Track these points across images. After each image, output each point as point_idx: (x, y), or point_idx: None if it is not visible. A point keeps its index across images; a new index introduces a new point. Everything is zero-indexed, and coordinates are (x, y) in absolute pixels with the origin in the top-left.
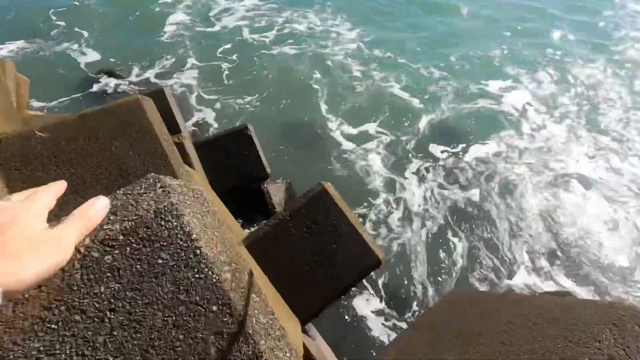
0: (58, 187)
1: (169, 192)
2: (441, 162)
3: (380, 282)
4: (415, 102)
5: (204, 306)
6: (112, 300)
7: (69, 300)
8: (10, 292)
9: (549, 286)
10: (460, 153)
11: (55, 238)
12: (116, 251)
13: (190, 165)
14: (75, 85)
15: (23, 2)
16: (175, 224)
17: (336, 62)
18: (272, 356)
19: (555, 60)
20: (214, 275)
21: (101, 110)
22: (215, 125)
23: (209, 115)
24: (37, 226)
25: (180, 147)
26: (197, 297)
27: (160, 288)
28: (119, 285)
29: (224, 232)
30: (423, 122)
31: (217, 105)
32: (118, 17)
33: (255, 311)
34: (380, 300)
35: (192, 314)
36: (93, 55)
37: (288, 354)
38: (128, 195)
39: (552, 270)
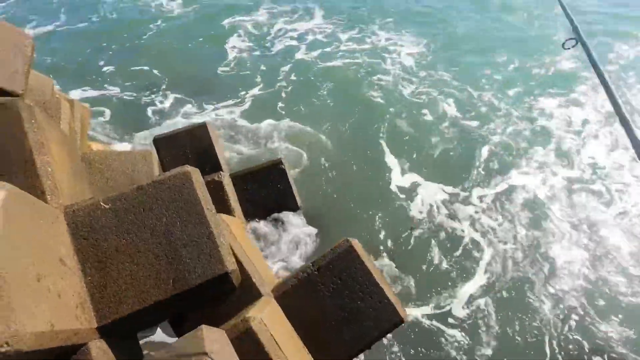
0: None
1: None
2: (495, 214)
3: (401, 338)
4: (481, 132)
5: None
6: None
7: None
8: None
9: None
10: (511, 194)
11: None
12: None
13: (227, 203)
14: (136, 117)
15: (84, 45)
16: None
17: (395, 83)
18: None
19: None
20: None
21: (156, 182)
22: (262, 152)
23: (259, 144)
24: None
25: (219, 185)
26: None
27: None
28: None
29: None
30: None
31: (271, 135)
32: (178, 45)
33: None
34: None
35: None
36: (154, 85)
37: None
38: None
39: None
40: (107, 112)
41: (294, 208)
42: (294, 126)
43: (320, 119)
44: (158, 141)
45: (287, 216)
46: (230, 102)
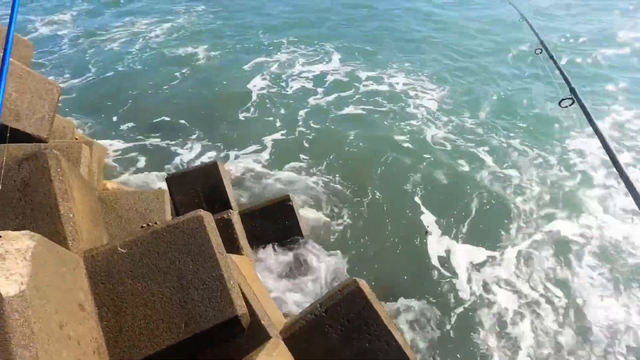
0: None
1: None
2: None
3: None
4: (505, 190)
5: None
6: None
7: None
8: None
9: None
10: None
11: None
12: None
13: (236, 241)
14: (160, 159)
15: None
16: None
17: (420, 129)
18: None
19: None
20: None
21: (170, 227)
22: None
23: (278, 186)
24: None
25: (228, 223)
26: None
27: None
28: None
29: None
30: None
31: (291, 178)
32: (202, 90)
33: None
34: None
35: None
36: (179, 130)
37: None
38: None
39: None
40: (132, 156)
41: (299, 238)
42: (316, 170)
43: (342, 162)
44: (170, 180)
45: (297, 252)
46: (252, 147)
